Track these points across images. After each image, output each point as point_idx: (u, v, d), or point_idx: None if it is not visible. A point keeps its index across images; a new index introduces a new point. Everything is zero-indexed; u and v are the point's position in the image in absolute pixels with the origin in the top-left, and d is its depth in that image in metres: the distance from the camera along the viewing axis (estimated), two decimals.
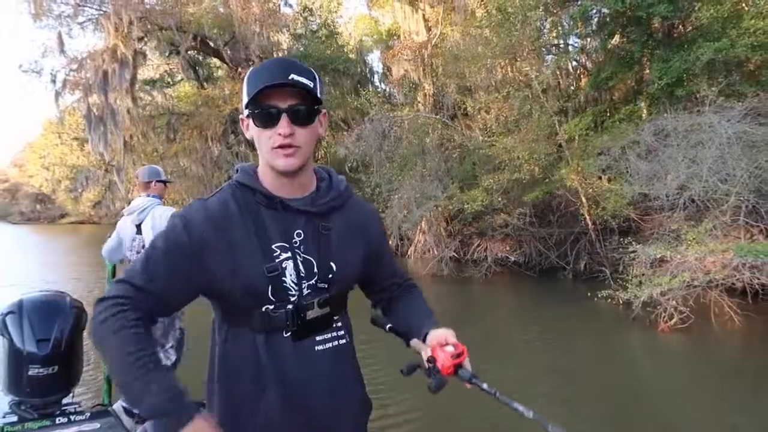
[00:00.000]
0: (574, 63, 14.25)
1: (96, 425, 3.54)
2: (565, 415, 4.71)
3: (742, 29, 8.90)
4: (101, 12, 16.05)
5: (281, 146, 1.24)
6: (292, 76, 1.22)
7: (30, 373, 3.47)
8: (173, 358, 3.91)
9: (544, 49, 12.85)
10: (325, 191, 1.39)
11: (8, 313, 3.57)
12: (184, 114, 19.09)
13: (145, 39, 16.66)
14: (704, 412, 4.76)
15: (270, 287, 1.25)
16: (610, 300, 7.81)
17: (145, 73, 20.60)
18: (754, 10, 9.07)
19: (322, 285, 1.31)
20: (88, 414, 3.68)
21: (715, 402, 4.97)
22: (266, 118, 1.24)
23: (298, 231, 1.31)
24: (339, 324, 1.37)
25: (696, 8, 9.26)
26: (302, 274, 1.29)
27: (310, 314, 1.30)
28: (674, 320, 7.05)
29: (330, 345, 1.33)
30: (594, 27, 11.71)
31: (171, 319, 3.93)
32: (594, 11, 10.73)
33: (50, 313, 3.66)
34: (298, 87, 1.23)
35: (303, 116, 1.26)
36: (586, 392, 5.32)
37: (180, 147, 18.02)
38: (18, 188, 69.89)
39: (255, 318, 1.27)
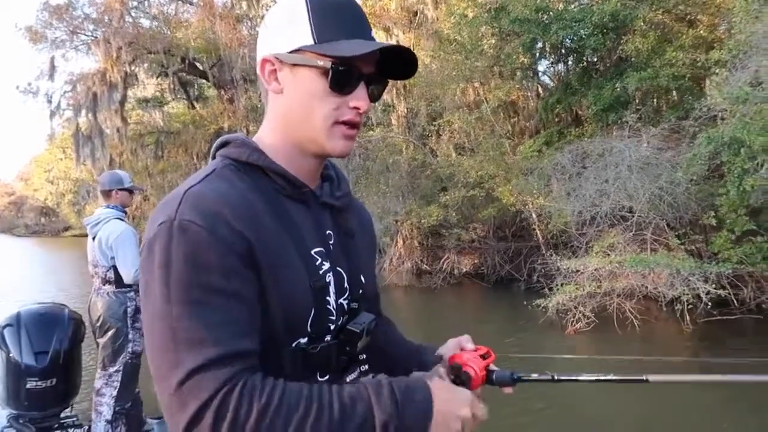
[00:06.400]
0: (538, 85, 15.10)
1: None
2: None
3: (665, 60, 9.74)
4: (93, 38, 17.09)
5: (349, 122, 0.92)
6: (372, 33, 0.93)
7: (28, 386, 3.46)
8: (117, 383, 3.57)
9: (503, 73, 13.63)
10: (337, 183, 1.06)
11: (6, 325, 3.65)
12: (173, 132, 20.01)
13: (136, 62, 17.63)
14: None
15: (313, 311, 0.89)
16: (542, 308, 8.59)
17: (141, 92, 21.46)
18: (677, 43, 9.89)
19: (353, 305, 0.99)
20: (87, 427, 3.76)
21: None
22: (347, 80, 0.89)
23: (328, 232, 0.99)
24: (364, 355, 1.03)
25: (623, 41, 10.09)
26: (338, 292, 0.96)
27: (361, 345, 0.97)
28: (580, 324, 7.85)
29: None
30: (538, 56, 12.61)
31: (123, 339, 3.59)
32: (537, 44, 11.62)
33: (48, 326, 3.63)
34: (405, 54, 0.93)
35: (378, 93, 0.96)
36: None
37: (166, 164, 18.89)
38: (23, 201, 71.06)
39: (285, 357, 0.88)
